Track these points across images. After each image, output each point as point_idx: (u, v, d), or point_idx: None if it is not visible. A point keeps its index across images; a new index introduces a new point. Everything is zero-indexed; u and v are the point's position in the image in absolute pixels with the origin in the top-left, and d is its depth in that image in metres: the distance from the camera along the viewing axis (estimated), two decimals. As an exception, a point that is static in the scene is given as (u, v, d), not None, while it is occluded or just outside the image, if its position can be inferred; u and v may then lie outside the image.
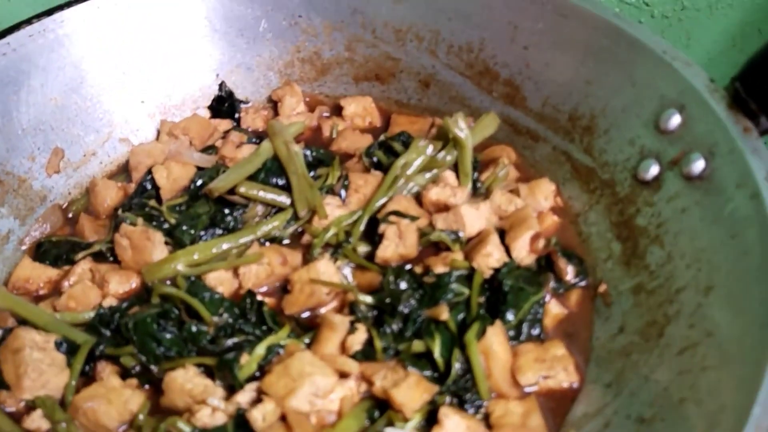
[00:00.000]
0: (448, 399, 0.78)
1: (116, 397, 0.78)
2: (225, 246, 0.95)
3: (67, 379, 0.81)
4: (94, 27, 1.11)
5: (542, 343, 0.84)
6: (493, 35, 1.11)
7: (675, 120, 0.88)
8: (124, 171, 1.12)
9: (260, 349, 0.81)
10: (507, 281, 0.86)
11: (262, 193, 1.00)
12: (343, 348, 0.83)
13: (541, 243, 0.91)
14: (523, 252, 0.91)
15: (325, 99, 1.23)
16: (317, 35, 1.21)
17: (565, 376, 0.81)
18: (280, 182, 1.03)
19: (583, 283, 0.91)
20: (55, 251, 0.99)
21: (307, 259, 0.95)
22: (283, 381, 0.77)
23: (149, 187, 1.04)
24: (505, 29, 1.07)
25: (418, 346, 0.82)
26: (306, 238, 0.99)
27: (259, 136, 1.14)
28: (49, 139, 1.08)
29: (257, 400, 0.79)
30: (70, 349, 0.84)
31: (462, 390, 0.79)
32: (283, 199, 1.00)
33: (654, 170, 0.90)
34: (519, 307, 0.84)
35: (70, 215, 1.07)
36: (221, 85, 1.21)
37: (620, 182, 0.95)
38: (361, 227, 0.96)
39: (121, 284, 0.93)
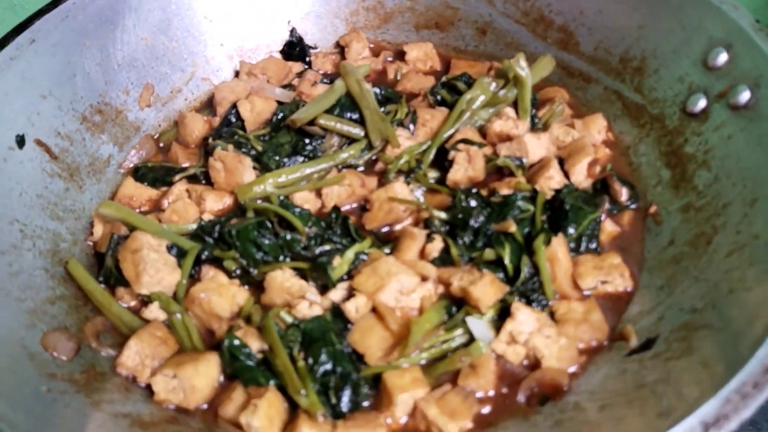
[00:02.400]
0: (516, 298, 0.88)
1: (225, 291, 0.89)
2: (308, 170, 1.05)
3: (178, 278, 0.92)
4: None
5: (599, 255, 0.94)
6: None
7: (722, 57, 0.97)
8: (207, 106, 1.22)
9: (350, 254, 0.92)
10: (568, 200, 0.95)
11: (339, 125, 1.09)
12: (422, 255, 0.93)
13: (597, 168, 1.01)
14: (581, 176, 1.00)
15: (388, 45, 1.32)
16: (382, -15, 1.30)
17: (620, 282, 0.91)
18: (354, 116, 1.12)
19: (634, 206, 1.00)
20: (151, 175, 1.09)
21: (383, 182, 1.05)
22: (373, 279, 0.88)
23: (234, 120, 1.14)
24: (561, -22, 1.16)
25: (489, 254, 0.92)
26: (379, 166, 1.09)
27: (329, 78, 1.23)
28: (140, 75, 1.17)
29: (347, 298, 0.89)
30: (179, 253, 0.95)
31: (529, 291, 0.89)
32: (357, 130, 1.10)
33: (702, 103, 0.99)
34: (579, 223, 0.94)
35: (161, 144, 1.17)
36: (292, 31, 1.30)
37: (669, 116, 1.04)
38: (431, 155, 1.06)
39: (215, 202, 1.03)
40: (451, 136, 1.07)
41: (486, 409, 0.81)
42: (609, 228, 0.97)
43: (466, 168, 1.01)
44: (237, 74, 1.26)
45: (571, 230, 0.93)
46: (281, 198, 1.01)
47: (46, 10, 1.08)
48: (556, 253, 0.90)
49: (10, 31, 1.04)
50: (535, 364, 0.84)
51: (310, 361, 0.82)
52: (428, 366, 0.83)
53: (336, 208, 0.99)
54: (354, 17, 1.31)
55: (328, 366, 0.81)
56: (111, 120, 1.13)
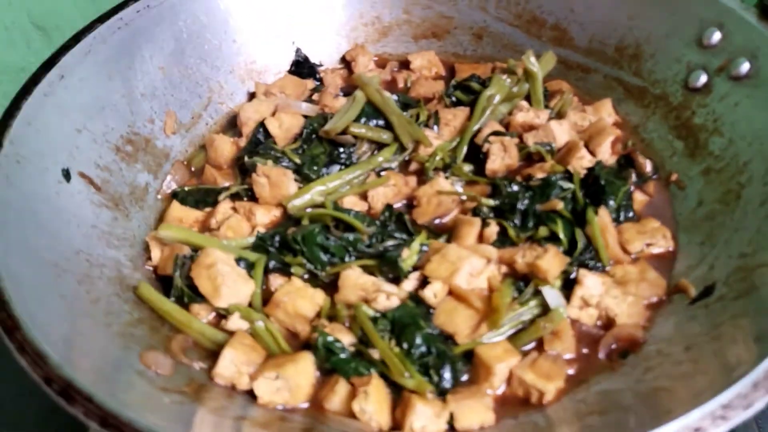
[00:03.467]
0: (575, 268, 0.95)
1: (304, 293, 0.92)
2: (348, 177, 1.10)
3: (252, 288, 0.94)
4: (187, 4, 1.23)
5: (638, 221, 1.02)
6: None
7: (716, 36, 1.08)
8: (228, 129, 1.25)
9: (416, 245, 0.97)
10: (602, 176, 1.04)
11: (370, 132, 1.15)
12: (480, 240, 0.99)
13: (619, 146, 1.10)
14: (606, 155, 1.09)
15: (390, 57, 1.39)
16: (377, 1, 1.37)
17: (663, 242, 0.99)
18: (379, 123, 1.18)
19: (656, 176, 1.10)
20: (191, 198, 1.11)
21: (423, 180, 1.10)
22: (444, 265, 0.93)
23: (262, 138, 1.17)
24: (550, -20, 1.26)
25: (543, 231, 0.99)
26: (413, 166, 1.14)
27: (344, 91, 1.29)
28: (162, 103, 1.19)
29: (419, 286, 0.94)
30: (246, 265, 0.97)
31: (587, 260, 0.96)
32: (387, 135, 1.15)
33: (703, 79, 1.10)
34: (616, 195, 1.02)
35: (193, 169, 1.18)
36: (297, 51, 1.35)
37: (672, 94, 1.15)
38: (463, 150, 1.13)
39: (265, 216, 1.06)
40: (477, 132, 1.14)
41: (571, 370, 0.87)
42: (639, 198, 1.06)
43: (502, 157, 1.08)
44: (251, 96, 1.29)
45: (611, 202, 1.01)
46: (332, 203, 1.04)
47: (70, 45, 1.09)
48: (605, 222, 0.97)
49: (40, 67, 1.05)
50: (607, 323, 0.91)
51: (405, 346, 0.86)
52: (513, 337, 0.88)
53: (389, 207, 1.04)
54: (354, 33, 1.37)
55: (423, 348, 0.86)
56: (142, 149, 1.14)
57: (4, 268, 0.77)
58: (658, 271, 0.97)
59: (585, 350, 0.89)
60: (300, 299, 0.91)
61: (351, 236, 0.99)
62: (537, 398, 0.83)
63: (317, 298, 0.93)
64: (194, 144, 1.23)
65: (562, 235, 0.97)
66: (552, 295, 0.90)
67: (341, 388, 0.84)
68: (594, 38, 1.26)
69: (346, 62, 1.36)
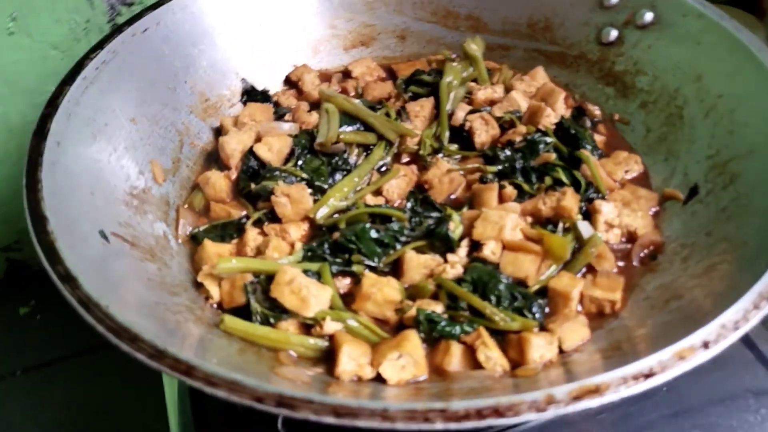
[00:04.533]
0: (584, 204, 1.12)
1: (386, 282, 1.00)
2: (357, 179, 1.19)
3: (330, 292, 1.00)
4: (135, 54, 1.24)
5: (609, 156, 1.22)
6: (446, -16, 1.46)
7: (613, -3, 1.32)
8: (209, 165, 1.27)
9: (456, 216, 1.08)
10: (570, 127, 1.23)
11: (359, 137, 1.24)
12: (501, 200, 1.13)
13: (570, 100, 1.30)
14: (563, 110, 1.28)
15: (330, 71, 1.48)
16: (305, 24, 1.46)
17: (636, 167, 1.20)
18: (359, 128, 1.27)
19: (601, 119, 1.31)
20: (212, 235, 1.13)
21: (422, 166, 1.22)
22: (490, 226, 1.06)
23: (255, 165, 1.22)
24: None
25: (548, 180, 1.15)
26: (404, 159, 1.26)
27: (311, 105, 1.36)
28: (144, 154, 1.19)
29: (472, 250, 1.06)
30: (312, 275, 1.03)
31: (591, 195, 1.14)
32: (372, 136, 1.26)
33: (614, 34, 1.33)
34: (586, 139, 1.22)
35: (197, 209, 1.20)
36: (243, 81, 1.40)
37: (589, 51, 1.37)
38: (446, 133, 1.26)
39: (297, 231, 1.11)
40: (451, 115, 1.28)
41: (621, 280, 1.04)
42: (598, 138, 1.26)
43: (486, 130, 1.23)
44: (217, 132, 1.32)
45: (587, 146, 1.20)
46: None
47: (51, 113, 1.07)
48: (593, 160, 1.16)
49: (35, 138, 1.02)
50: (629, 238, 1.09)
51: (493, 299, 0.97)
52: (568, 268, 1.03)
53: (413, 192, 1.14)
54: (290, 55, 1.45)
55: (509, 295, 0.98)
56: (145, 201, 1.13)
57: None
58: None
59: (621, 263, 1.06)
60: (386, 287, 0.98)
61: (395, 225, 1.08)
62: (610, 308, 0.99)
63: (395, 283, 1.01)
64: (185, 187, 1.23)
65: (565, 179, 1.14)
66: (584, 225, 1.06)
67: (456, 349, 0.93)
68: (506, 20, 1.45)
69: (291, 83, 1.43)
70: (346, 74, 1.45)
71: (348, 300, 1.01)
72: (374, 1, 1.48)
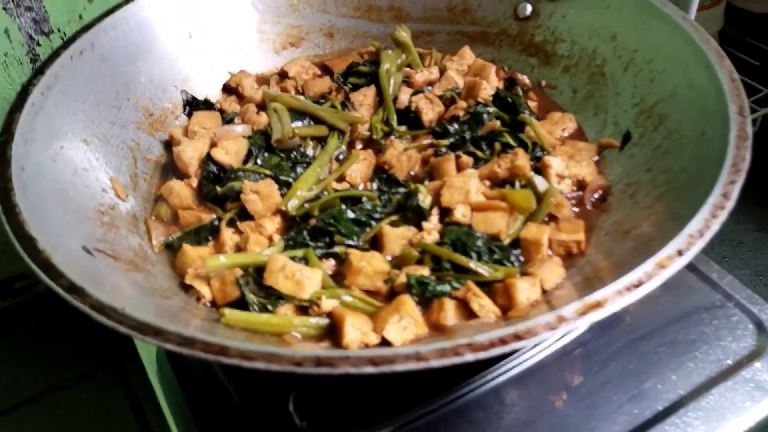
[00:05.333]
0: (533, 162, 1.22)
1: (372, 255, 1.05)
2: (320, 168, 1.23)
3: (319, 273, 1.04)
4: (76, 76, 1.24)
5: (545, 118, 1.33)
6: (366, -19, 1.54)
7: (524, -25, 1.44)
8: (166, 176, 1.28)
9: (422, 187, 1.15)
10: (506, 96, 1.32)
11: (312, 130, 1.29)
12: (459, 169, 1.21)
13: (500, 72, 1.40)
14: (495, 81, 1.38)
15: (266, 74, 1.52)
16: (234, 32, 1.49)
17: (571, 124, 1.30)
18: (309, 122, 1.32)
19: (531, 86, 1.42)
20: (187, 241, 1.15)
21: (377, 149, 1.28)
22: (456, 192, 1.13)
23: (215, 170, 1.24)
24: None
25: (498, 146, 1.24)
26: (358, 146, 1.31)
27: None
28: (102, 172, 1.19)
29: (443, 215, 1.13)
30: (298, 260, 1.07)
31: (537, 153, 1.24)
32: (324, 128, 1.31)
33: (529, 8, 1.45)
34: (522, 105, 1.32)
35: (165, 220, 1.21)
36: (183, 93, 1.41)
37: (509, 27, 1.48)
38: (394, 116, 1.33)
39: (272, 225, 1.15)
40: (394, 100, 1.35)
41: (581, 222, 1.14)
42: (531, 104, 1.37)
43: (432, 108, 1.30)
44: (167, 144, 1.33)
45: (525, 111, 1.30)
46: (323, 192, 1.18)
47: (8, 141, 1.06)
48: (535, 122, 1.26)
49: (1, 162, 1.01)
50: (579, 185, 1.19)
51: (473, 254, 1.05)
52: (532, 218, 1.12)
53: (375, 173, 1.20)
54: (225, 64, 1.47)
55: (487, 250, 1.05)
56: (114, 216, 1.14)
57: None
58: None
59: (576, 209, 1.16)
60: (374, 260, 1.04)
61: (368, 205, 1.13)
62: (576, 248, 1.08)
63: (379, 256, 1.06)
64: (148, 200, 1.24)
65: (513, 142, 1.23)
66: (539, 180, 1.15)
67: (449, 304, 1.00)
68: (426, 7, 1.54)
69: (230, 90, 1.46)
70: (283, 75, 1.49)
71: (337, 279, 1.05)
72: (298, 2, 1.53)
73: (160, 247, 1.15)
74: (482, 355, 0.73)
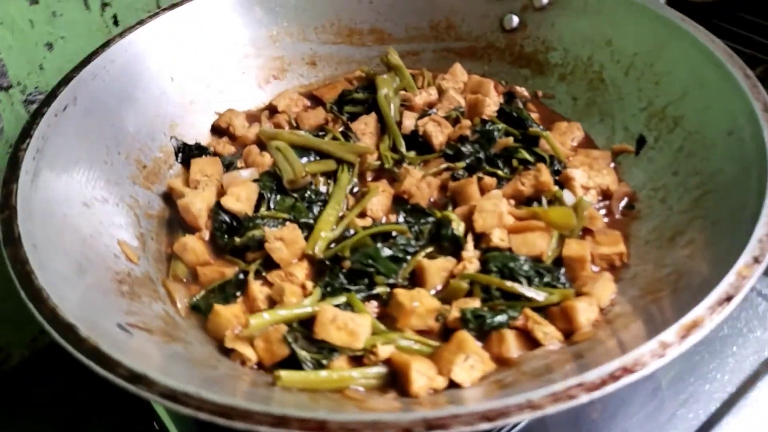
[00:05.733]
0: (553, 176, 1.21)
1: (420, 293, 1.01)
2: (339, 206, 1.18)
3: (368, 319, 0.99)
4: (64, 134, 1.15)
5: (551, 129, 1.32)
6: (344, 5, 1.49)
7: (508, -13, 1.43)
8: (174, 231, 1.20)
9: (452, 215, 1.12)
10: (511, 111, 1.31)
11: (322, 166, 1.24)
12: (482, 191, 1.18)
13: (500, 88, 1.38)
14: (496, 98, 1.36)
15: (254, 111, 1.45)
16: (215, 72, 1.42)
17: (579, 133, 1.30)
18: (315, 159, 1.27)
19: (530, 98, 1.41)
20: (213, 299, 1.08)
21: (392, 179, 1.24)
22: (488, 215, 1.09)
23: (227, 219, 1.17)
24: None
25: (515, 162, 1.22)
26: (369, 177, 1.27)
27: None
28: (109, 236, 1.10)
29: (478, 241, 1.10)
30: (344, 308, 1.01)
31: (555, 166, 1.22)
32: (332, 163, 1.26)
33: (515, 20, 1.44)
34: (528, 119, 1.30)
35: (184, 279, 1.13)
36: (172, 140, 1.33)
37: (496, 40, 1.46)
38: (402, 143, 1.29)
39: (302, 271, 1.09)
40: (398, 124, 1.31)
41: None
42: (533, 116, 1.36)
43: (440, 130, 1.27)
44: (166, 197, 1.25)
45: (532, 125, 1.29)
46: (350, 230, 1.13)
47: (11, 217, 0.97)
48: (549, 134, 1.25)
49: (9, 242, 0.93)
50: (604, 195, 1.19)
51: (523, 281, 1.02)
52: (568, 234, 1.11)
53: (397, 205, 1.16)
54: (208, 104, 1.40)
55: (536, 274, 1.03)
56: (133, 284, 1.06)
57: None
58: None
59: (606, 219, 1.16)
60: (425, 298, 1.00)
61: (401, 239, 1.09)
62: (619, 260, 1.07)
63: (425, 292, 1.03)
64: (160, 260, 1.16)
65: (530, 158, 1.22)
66: (567, 194, 1.14)
67: (509, 335, 0.97)
68: (409, 27, 1.51)
69: (220, 131, 1.39)
70: (272, 110, 1.43)
71: (384, 322, 1.01)
72: (277, 33, 1.47)
73: (187, 311, 1.07)
74: (597, 394, 0.70)
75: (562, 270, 1.06)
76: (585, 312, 0.97)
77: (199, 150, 1.32)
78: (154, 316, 1.01)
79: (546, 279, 1.02)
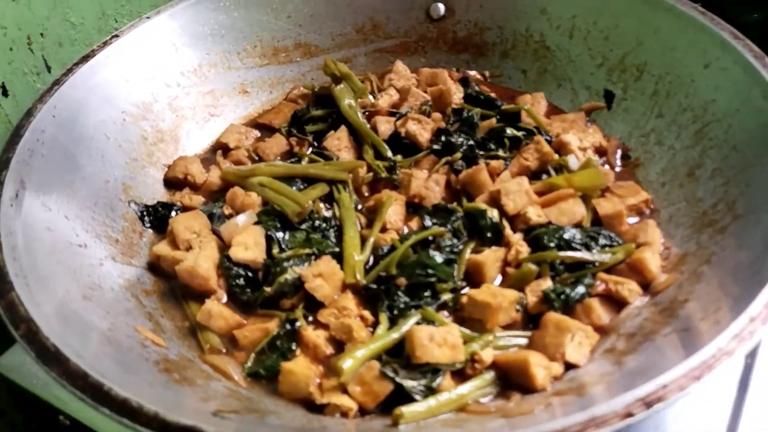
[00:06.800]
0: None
1: (497, 290, 0.96)
2: (356, 228, 1.11)
3: (456, 329, 0.94)
4: (30, 227, 0.97)
5: (516, 104, 1.33)
6: (262, 24, 1.40)
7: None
8: (182, 302, 1.05)
9: (483, 205, 1.09)
10: (479, 95, 1.30)
11: (319, 191, 1.15)
12: (492, 177, 1.16)
13: (454, 75, 1.37)
14: (454, 86, 1.35)
15: (204, 156, 1.31)
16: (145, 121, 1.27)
17: (542, 101, 1.33)
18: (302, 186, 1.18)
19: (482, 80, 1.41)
20: (269, 361, 0.96)
21: (394, 185, 1.18)
22: (516, 196, 1.08)
23: (242, 272, 1.05)
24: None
25: (508, 141, 1.21)
26: (366, 191, 1.20)
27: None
28: (124, 325, 0.95)
29: (513, 222, 1.08)
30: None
31: (544, 137, 1.24)
32: (325, 186, 1.18)
33: (441, 8, 1.43)
34: (495, 99, 1.31)
35: (223, 350, 0.99)
36: (130, 205, 1.17)
37: (427, 31, 1.45)
38: (386, 147, 1.23)
39: (351, 302, 1.00)
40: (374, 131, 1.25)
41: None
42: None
43: (423, 127, 1.23)
44: (152, 267, 1.10)
45: (498, 104, 1.29)
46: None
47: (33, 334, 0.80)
48: (530, 108, 1.25)
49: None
50: (598, 153, 1.21)
51: (581, 248, 1.02)
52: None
53: (415, 207, 1.11)
54: (153, 159, 1.25)
55: (589, 239, 1.03)
56: (175, 370, 0.91)
57: None
58: (572, 112, 1.31)
59: (607, 167, 1.19)
60: (504, 291, 0.96)
61: (443, 242, 1.05)
62: (645, 206, 1.11)
63: (499, 288, 0.99)
64: (183, 336, 1.01)
65: (520, 134, 1.22)
66: (572, 158, 1.16)
67: (595, 304, 0.97)
68: (334, 35, 1.45)
69: (174, 182, 1.24)
70: (224, 148, 1.30)
71: (468, 325, 0.96)
72: (199, 67, 1.35)
73: (246, 380, 0.94)
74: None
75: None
76: (653, 260, 0.98)
77: (165, 208, 1.17)
78: (224, 396, 0.87)
79: (602, 241, 1.02)
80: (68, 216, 1.04)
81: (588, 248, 1.01)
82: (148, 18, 1.28)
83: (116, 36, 1.24)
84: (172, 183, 1.24)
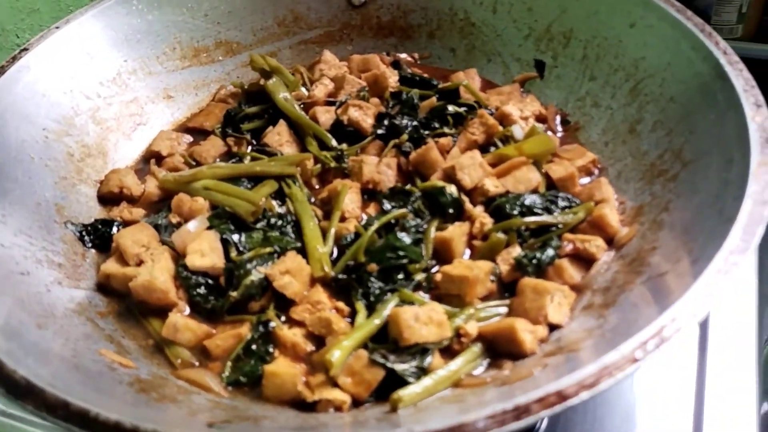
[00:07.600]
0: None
1: (471, 263, 0.96)
2: (314, 221, 1.08)
3: (439, 306, 0.93)
4: None
5: (451, 81, 1.34)
6: (178, 25, 1.35)
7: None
8: (135, 319, 0.99)
9: (440, 183, 1.08)
10: (414, 76, 1.30)
11: (268, 188, 1.11)
12: (443, 154, 1.15)
13: (386, 59, 1.36)
14: (386, 69, 1.34)
15: (134, 166, 1.24)
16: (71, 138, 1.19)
17: (476, 77, 1.34)
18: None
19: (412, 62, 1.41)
20: (247, 367, 0.92)
21: (346, 175, 1.15)
22: (471, 169, 1.08)
23: (201, 280, 1.00)
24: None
25: (450, 118, 1.21)
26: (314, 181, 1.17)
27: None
28: (86, 350, 0.89)
29: (472, 201, 1.09)
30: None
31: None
32: (274, 183, 1.14)
33: (360, -5, 1.42)
34: (430, 79, 1.31)
35: (195, 363, 0.94)
36: (67, 225, 1.10)
37: (350, 19, 1.44)
38: (330, 137, 1.20)
39: (324, 295, 0.97)
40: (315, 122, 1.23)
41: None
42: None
43: (365, 113, 1.21)
44: (102, 288, 1.03)
45: (435, 83, 1.29)
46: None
47: None
48: (469, 84, 1.26)
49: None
50: (539, 121, 1.23)
51: (542, 212, 1.03)
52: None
53: (370, 193, 1.10)
54: (83, 176, 1.17)
55: (548, 202, 1.05)
56: (155, 388, 0.86)
57: None
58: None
59: (549, 134, 1.21)
60: (479, 263, 0.96)
61: (407, 222, 1.03)
62: (593, 166, 1.13)
63: (468, 261, 0.98)
64: (152, 353, 0.95)
65: (462, 110, 1.22)
66: (516, 128, 1.17)
67: (565, 264, 0.98)
68: (255, 30, 1.41)
69: (110, 198, 1.17)
70: (157, 157, 1.24)
71: (446, 302, 0.95)
72: (118, 75, 1.28)
73: (227, 390, 0.89)
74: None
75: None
76: (612, 215, 1.01)
77: (105, 225, 1.10)
78: (208, 407, 0.83)
79: (561, 203, 1.04)
80: (3, 244, 0.95)
81: (549, 212, 1.02)
82: (57, 28, 1.20)
83: (25, 50, 1.15)
84: (107, 198, 1.16)
